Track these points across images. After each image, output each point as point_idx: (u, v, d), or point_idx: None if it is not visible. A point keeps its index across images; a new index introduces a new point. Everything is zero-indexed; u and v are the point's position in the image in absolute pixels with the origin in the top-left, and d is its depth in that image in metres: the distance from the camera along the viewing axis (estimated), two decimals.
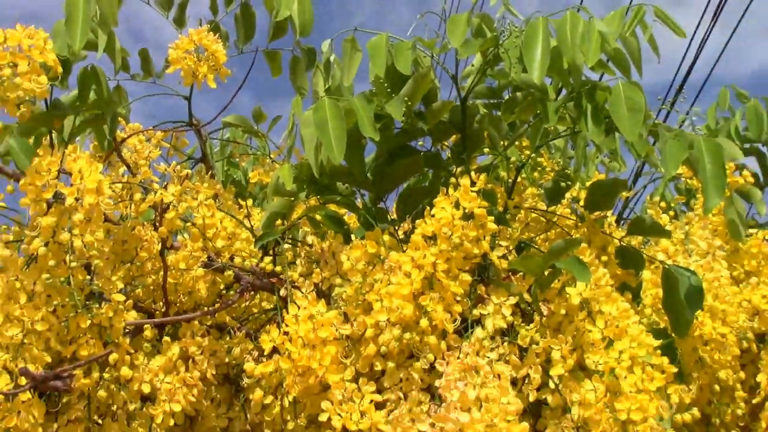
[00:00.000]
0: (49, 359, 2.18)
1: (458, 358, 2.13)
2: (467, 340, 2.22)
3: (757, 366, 2.78)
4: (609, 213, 2.59)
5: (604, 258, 2.47)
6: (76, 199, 2.13)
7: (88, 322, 2.21)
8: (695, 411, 2.45)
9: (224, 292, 2.60)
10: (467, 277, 2.25)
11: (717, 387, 2.68)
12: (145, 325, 2.38)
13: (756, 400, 2.76)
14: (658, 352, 2.23)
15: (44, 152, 2.19)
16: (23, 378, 2.10)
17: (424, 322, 2.19)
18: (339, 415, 2.16)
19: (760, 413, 2.73)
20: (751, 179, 2.97)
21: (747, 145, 3.52)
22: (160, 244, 2.46)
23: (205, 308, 2.51)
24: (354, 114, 2.31)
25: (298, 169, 2.48)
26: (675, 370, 2.23)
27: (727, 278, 2.72)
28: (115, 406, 2.32)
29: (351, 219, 2.69)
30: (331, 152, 2.26)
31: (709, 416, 2.77)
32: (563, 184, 2.58)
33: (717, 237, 2.93)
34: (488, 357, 2.18)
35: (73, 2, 2.37)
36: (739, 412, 2.77)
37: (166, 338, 2.40)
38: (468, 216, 2.25)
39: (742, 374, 2.78)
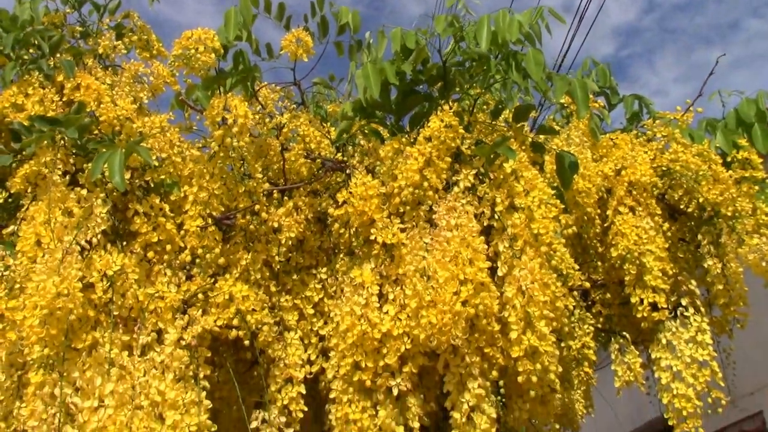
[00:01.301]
0: (222, 209, 2.20)
1: (445, 202, 2.15)
2: (450, 193, 2.23)
3: (606, 205, 2.77)
4: (526, 123, 2.54)
5: (523, 147, 2.44)
6: (234, 121, 2.12)
7: (243, 188, 2.23)
8: (573, 229, 2.44)
9: (316, 172, 2.58)
10: (448, 159, 2.26)
11: (585, 217, 2.67)
12: (274, 191, 2.39)
13: (606, 224, 2.76)
14: (554, 197, 2.24)
15: (216, 98, 2.19)
16: (209, 219, 2.13)
17: (425, 184, 2.21)
18: (380, 235, 2.19)
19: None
20: (600, 104, 2.95)
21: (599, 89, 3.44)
22: (280, 146, 2.45)
23: (306, 181, 2.50)
24: (384, 71, 2.30)
25: (354, 104, 2.46)
26: (562, 206, 2.24)
27: (590, 158, 2.70)
28: (258, 234, 2.33)
29: (385, 132, 2.64)
30: (371, 91, 2.26)
31: (581, 234, 2.78)
32: (501, 108, 2.54)
33: (584, 136, 2.91)
34: (461, 202, 2.19)
35: (229, 13, 2.36)
36: (597, 230, 2.78)
37: (285, 198, 2.41)
38: (448, 126, 2.25)
39: (598, 210, 2.78)
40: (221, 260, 2.11)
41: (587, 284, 2.37)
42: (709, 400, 2.69)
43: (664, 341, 2.72)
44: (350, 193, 2.22)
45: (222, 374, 2.29)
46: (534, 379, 2.00)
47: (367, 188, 2.22)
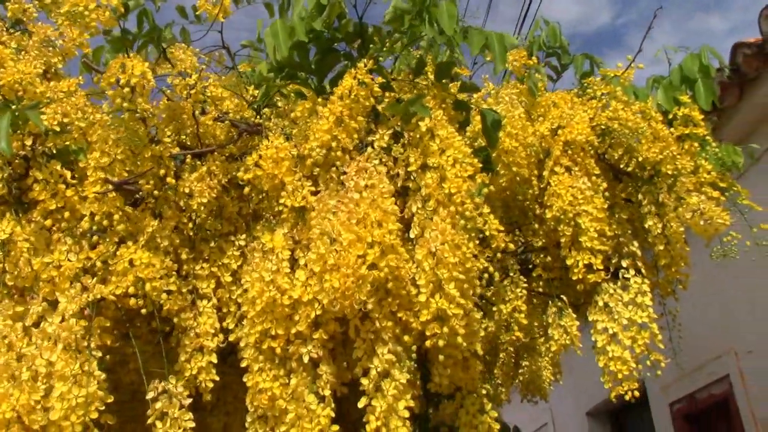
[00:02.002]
0: (125, 175, 2.12)
1: (355, 163, 2.07)
2: (362, 154, 2.15)
3: (544, 166, 2.69)
4: (450, 80, 2.45)
5: (444, 106, 2.36)
6: (127, 82, 2.03)
7: (149, 153, 2.15)
8: (491, 188, 2.30)
9: (233, 136, 2.48)
10: (361, 119, 2.18)
11: (518, 178, 2.60)
12: (187, 156, 2.31)
13: (542, 185, 2.68)
14: (474, 156, 2.16)
15: (115, 60, 2.10)
16: (108, 184, 2.05)
17: (335, 144, 2.13)
18: (289, 199, 2.12)
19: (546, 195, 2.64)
20: (533, 62, 2.86)
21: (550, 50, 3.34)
22: (192, 110, 2.36)
23: (220, 145, 2.41)
24: (294, 29, 2.21)
25: (269, 65, 2.37)
26: (480, 165, 2.15)
27: (521, 117, 2.60)
28: (168, 200, 2.25)
29: (309, 94, 2.54)
30: (280, 50, 2.17)
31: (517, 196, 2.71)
32: (422, 65, 2.45)
33: (523, 96, 2.82)
34: (373, 163, 2.11)
35: None
36: (536, 191, 2.71)
37: (198, 162, 2.33)
38: (361, 84, 2.16)
39: (535, 171, 2.71)
40: (120, 227, 2.04)
41: (511, 246, 2.30)
42: (648, 362, 2.65)
43: (601, 303, 2.66)
44: (260, 156, 2.14)
45: (138, 345, 2.23)
46: (441, 343, 1.93)
47: (278, 150, 2.14)
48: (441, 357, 2.08)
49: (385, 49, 2.27)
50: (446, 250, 1.96)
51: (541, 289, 2.90)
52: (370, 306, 1.98)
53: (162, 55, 2.32)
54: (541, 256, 2.91)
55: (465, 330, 2.08)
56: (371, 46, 2.34)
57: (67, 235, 2.01)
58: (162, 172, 2.13)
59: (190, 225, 2.23)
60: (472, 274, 2.00)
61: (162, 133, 2.18)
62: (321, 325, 2.07)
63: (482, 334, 2.18)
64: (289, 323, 2.06)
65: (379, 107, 2.26)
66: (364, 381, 1.96)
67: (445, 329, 1.92)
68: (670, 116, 2.90)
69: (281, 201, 2.11)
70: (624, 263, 2.76)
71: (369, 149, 2.17)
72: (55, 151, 2.11)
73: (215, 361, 2.12)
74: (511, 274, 2.65)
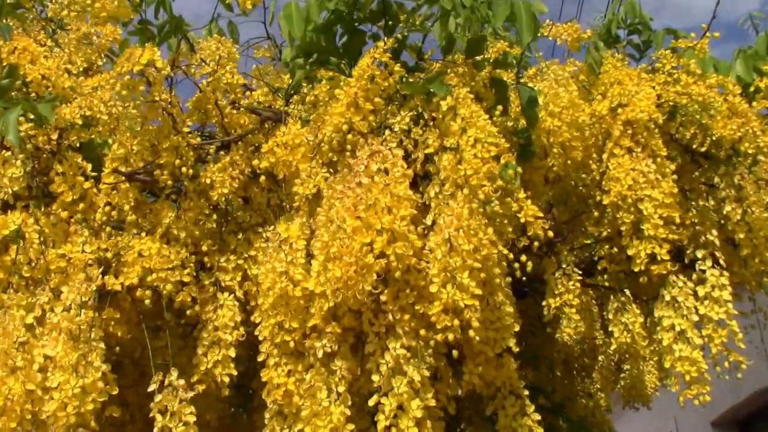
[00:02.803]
0: (141, 164, 2.11)
1: (369, 147, 1.96)
2: (379, 137, 2.03)
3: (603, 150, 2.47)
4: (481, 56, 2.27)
5: (472, 83, 2.19)
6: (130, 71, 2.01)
7: (167, 143, 2.12)
8: (519, 170, 2.08)
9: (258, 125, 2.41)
10: (379, 101, 2.06)
11: (569, 162, 2.40)
12: (210, 146, 2.27)
13: (602, 169, 2.47)
14: (498, 136, 1.99)
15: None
16: (120, 175, 2.05)
17: (344, 127, 2.02)
18: (302, 186, 2.04)
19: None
20: (588, 35, 2.64)
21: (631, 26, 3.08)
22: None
23: (242, 135, 2.33)
24: (310, 11, 2.13)
25: (295, 49, 2.29)
26: (507, 145, 1.99)
27: (571, 94, 2.39)
28: (188, 191, 2.20)
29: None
30: (293, 32, 2.09)
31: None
32: (451, 43, 2.30)
33: (581, 74, 2.62)
34: (390, 146, 1.99)
35: None
36: (596, 176, 2.50)
37: (221, 152, 2.29)
38: (380, 64, 2.05)
39: (594, 155, 2.50)
40: (131, 218, 2.02)
41: (551, 234, 2.10)
42: (726, 364, 2.38)
43: (668, 298, 2.42)
44: (276, 144, 2.07)
45: (167, 338, 2.21)
46: (451, 337, 1.78)
47: (294, 137, 2.07)
48: (469, 353, 1.93)
49: (409, 24, 2.14)
50: (460, 236, 1.81)
51: (607, 283, 2.67)
52: (384, 297, 1.87)
53: (181, 44, 2.28)
54: (606, 247, 2.68)
55: (488, 324, 1.94)
56: (399, 24, 2.22)
57: (84, 227, 2.01)
58: (178, 162, 2.10)
59: (215, 216, 2.19)
60: (491, 262, 1.84)
61: (181, 123, 2.15)
62: (337, 318, 1.97)
63: (516, 328, 2.00)
64: (305, 315, 1.98)
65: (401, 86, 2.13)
66: (375, 378, 1.84)
67: (456, 322, 1.77)
68: (752, 89, 2.60)
69: (294, 189, 2.03)
70: (700, 254, 2.50)
71: (387, 132, 2.05)
72: (79, 145, 2.13)
73: (233, 354, 2.06)
74: (564, 265, 2.45)
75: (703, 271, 2.43)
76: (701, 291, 2.43)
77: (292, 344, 1.97)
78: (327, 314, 1.96)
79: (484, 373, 2.03)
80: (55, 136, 2.14)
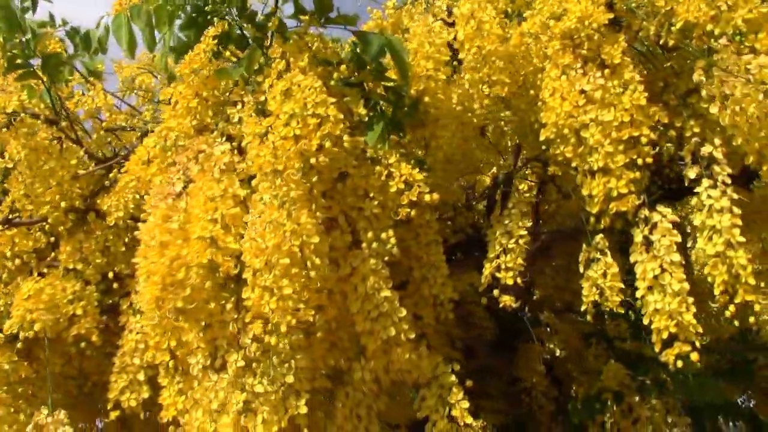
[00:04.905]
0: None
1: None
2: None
3: None
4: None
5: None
6: None
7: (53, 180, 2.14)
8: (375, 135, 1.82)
9: None
10: (210, 94, 1.90)
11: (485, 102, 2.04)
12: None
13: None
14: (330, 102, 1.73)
15: None
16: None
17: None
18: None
19: None
20: None
21: None
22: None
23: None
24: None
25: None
26: (333, 112, 1.71)
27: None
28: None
29: None
30: (122, 44, 2.00)
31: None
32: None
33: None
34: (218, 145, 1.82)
35: None
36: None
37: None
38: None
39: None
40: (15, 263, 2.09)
41: (430, 197, 1.77)
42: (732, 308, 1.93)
43: (638, 239, 1.99)
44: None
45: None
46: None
47: (147, 150, 1.97)
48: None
49: None
50: (265, 234, 1.63)
51: None
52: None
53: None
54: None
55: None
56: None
57: None
58: (58, 198, 2.11)
59: (126, 239, 2.19)
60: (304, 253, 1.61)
61: (71, 155, 2.16)
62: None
63: (402, 313, 1.76)
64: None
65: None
66: None
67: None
68: None
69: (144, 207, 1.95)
70: (692, 173, 2.04)
71: (222, 125, 1.88)
72: None
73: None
74: (506, 221, 2.07)
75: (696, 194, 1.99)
76: (698, 219, 1.98)
77: (172, 363, 1.92)
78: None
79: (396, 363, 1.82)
80: None
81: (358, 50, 1.89)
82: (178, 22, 2.08)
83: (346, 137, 1.78)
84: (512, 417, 3.44)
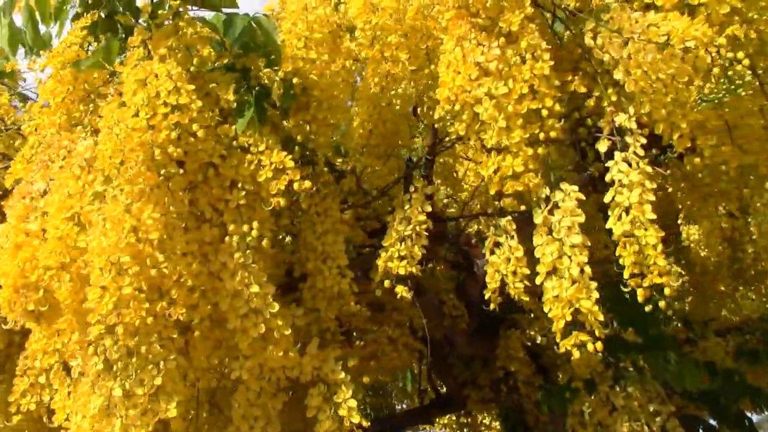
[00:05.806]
0: None
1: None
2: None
3: None
4: None
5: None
6: None
7: None
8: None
9: None
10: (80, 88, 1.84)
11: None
12: None
13: None
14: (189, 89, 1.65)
15: None
16: None
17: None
18: None
19: None
20: None
21: None
22: None
23: None
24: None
25: None
26: (189, 99, 1.62)
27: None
28: None
29: None
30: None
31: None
32: None
33: None
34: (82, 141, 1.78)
35: None
36: None
37: None
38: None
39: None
40: None
41: (305, 185, 1.65)
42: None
43: (538, 220, 1.85)
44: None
45: None
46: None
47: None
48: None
49: None
50: (106, 230, 1.56)
51: None
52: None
53: None
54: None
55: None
56: None
57: None
58: None
59: None
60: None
61: None
62: None
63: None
64: None
65: None
66: None
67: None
68: None
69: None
70: (603, 146, 1.88)
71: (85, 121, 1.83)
72: None
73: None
74: (405, 207, 1.95)
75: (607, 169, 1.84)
76: (608, 196, 1.83)
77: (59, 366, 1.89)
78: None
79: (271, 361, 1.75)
80: None
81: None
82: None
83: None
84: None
